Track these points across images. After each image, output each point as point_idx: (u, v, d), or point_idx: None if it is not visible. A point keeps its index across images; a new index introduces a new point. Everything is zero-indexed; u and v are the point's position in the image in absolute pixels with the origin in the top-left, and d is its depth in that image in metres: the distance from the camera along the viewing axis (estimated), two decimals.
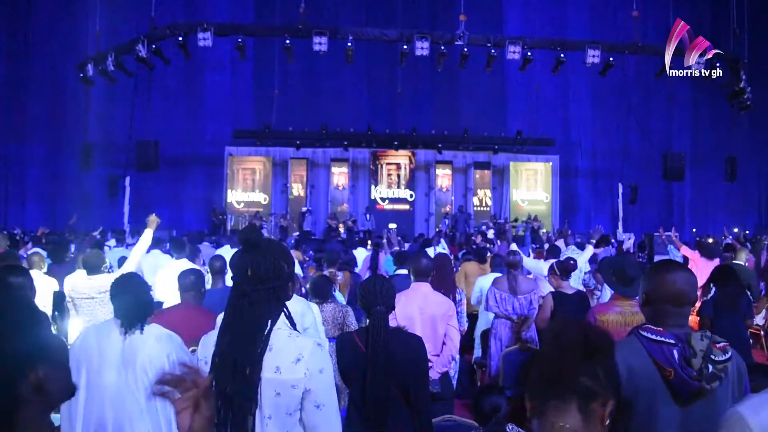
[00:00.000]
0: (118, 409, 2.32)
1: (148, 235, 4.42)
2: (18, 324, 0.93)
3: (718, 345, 1.71)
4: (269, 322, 1.59)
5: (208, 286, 4.62)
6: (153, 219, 4.51)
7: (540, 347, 1.12)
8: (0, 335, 0.91)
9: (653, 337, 1.74)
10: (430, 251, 8.39)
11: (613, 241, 10.76)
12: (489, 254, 7.13)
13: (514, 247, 6.22)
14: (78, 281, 4.25)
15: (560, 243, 7.68)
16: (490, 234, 12.40)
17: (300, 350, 1.60)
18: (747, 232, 15.24)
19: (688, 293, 1.80)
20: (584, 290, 5.32)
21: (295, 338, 1.65)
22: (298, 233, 14.72)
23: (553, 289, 4.60)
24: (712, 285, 4.48)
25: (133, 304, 2.37)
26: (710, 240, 10.66)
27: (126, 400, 2.34)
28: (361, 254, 7.38)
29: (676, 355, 1.70)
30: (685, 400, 1.71)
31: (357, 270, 7.00)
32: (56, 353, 0.99)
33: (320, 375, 1.60)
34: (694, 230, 17.09)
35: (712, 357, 1.68)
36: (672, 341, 1.72)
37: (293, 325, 1.68)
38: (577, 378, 1.18)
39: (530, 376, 1.30)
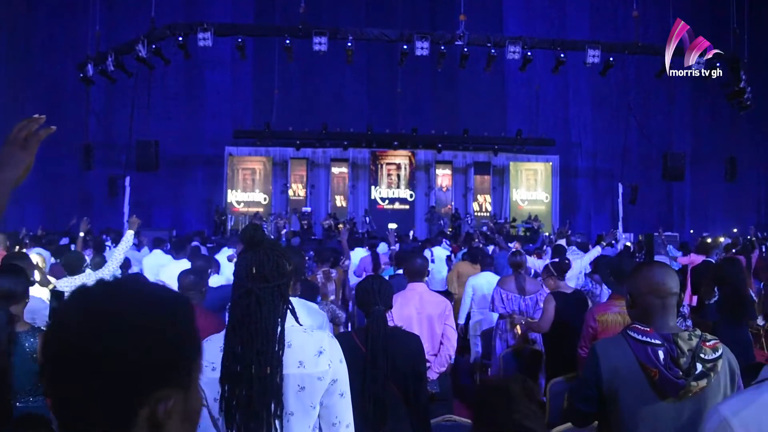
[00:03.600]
0: None
1: (129, 237, 4.50)
2: (163, 338, 0.73)
3: (708, 343, 1.72)
4: (279, 320, 1.59)
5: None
6: (134, 220, 4.74)
7: (484, 401, 1.58)
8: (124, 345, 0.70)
9: (639, 337, 1.76)
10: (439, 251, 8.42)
11: (613, 241, 10.75)
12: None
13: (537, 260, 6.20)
14: (61, 282, 4.27)
15: (562, 243, 7.66)
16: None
17: (320, 343, 1.64)
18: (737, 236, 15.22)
19: (668, 283, 1.83)
20: (581, 290, 5.32)
21: (311, 333, 1.68)
22: (297, 236, 14.72)
23: (549, 290, 4.60)
24: (716, 288, 4.46)
25: None
26: (709, 240, 10.66)
27: None
28: (359, 255, 7.37)
29: (661, 356, 1.71)
30: (673, 398, 1.72)
31: (351, 270, 7.01)
32: (194, 388, 0.78)
33: (341, 364, 1.66)
34: (692, 231, 17.10)
35: (702, 356, 1.69)
36: (658, 342, 1.73)
37: (297, 321, 1.69)
38: (522, 422, 1.43)
39: (481, 423, 1.53)
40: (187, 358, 0.78)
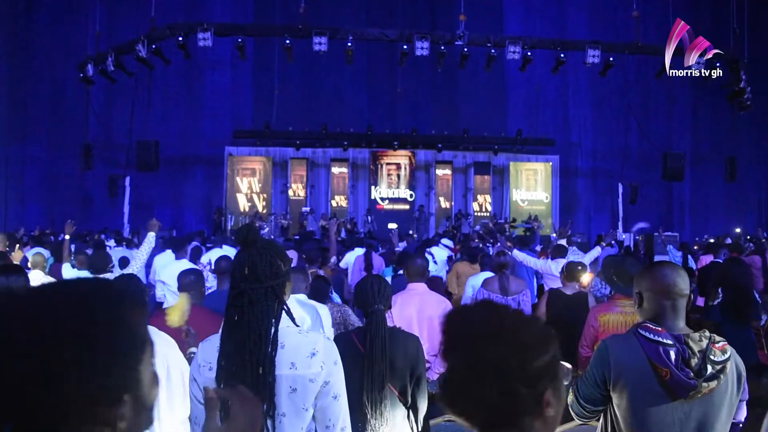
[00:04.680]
0: None
1: (151, 239, 4.49)
2: (110, 347, 0.71)
3: (717, 345, 1.72)
4: (273, 321, 1.59)
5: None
6: (154, 223, 4.70)
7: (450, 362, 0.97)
8: (79, 357, 0.69)
9: (651, 336, 1.75)
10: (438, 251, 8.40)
11: (613, 241, 10.75)
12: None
13: (520, 256, 6.20)
14: None
15: (562, 243, 7.66)
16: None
17: (313, 345, 1.63)
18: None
19: (680, 285, 1.83)
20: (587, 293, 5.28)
21: (306, 334, 1.67)
22: (297, 235, 14.71)
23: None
24: (719, 289, 4.44)
25: None
26: (711, 240, 10.66)
27: None
28: (357, 254, 7.36)
29: (673, 356, 1.71)
30: (683, 400, 1.72)
31: (349, 269, 6.97)
32: (144, 389, 0.77)
33: (335, 366, 1.64)
34: (696, 248, 17.05)
35: (711, 357, 1.69)
36: (670, 342, 1.73)
37: (294, 322, 1.69)
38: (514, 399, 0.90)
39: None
40: (133, 363, 0.75)
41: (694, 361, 1.69)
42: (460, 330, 0.96)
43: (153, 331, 2.35)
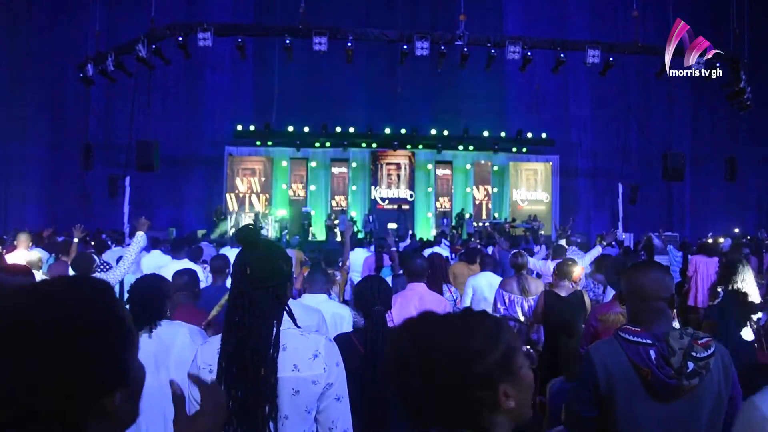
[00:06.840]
0: (153, 412, 2.27)
1: (139, 237, 4.48)
2: (108, 341, 0.76)
3: (700, 341, 1.70)
4: (275, 322, 1.58)
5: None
6: (143, 221, 4.65)
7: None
8: (82, 352, 0.73)
9: (630, 337, 1.76)
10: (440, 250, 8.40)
11: (613, 241, 10.73)
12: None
13: (536, 262, 6.20)
14: None
15: (562, 243, 7.64)
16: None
17: (315, 346, 1.62)
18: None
19: (656, 289, 1.81)
20: (582, 290, 5.28)
21: (308, 335, 1.66)
22: (297, 235, 14.72)
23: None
24: (719, 288, 4.44)
25: (140, 301, 2.39)
26: (710, 240, 10.65)
27: (160, 402, 2.31)
28: (359, 255, 7.36)
29: (653, 355, 1.70)
30: (665, 398, 1.71)
31: (355, 271, 6.98)
32: (135, 380, 0.83)
33: (337, 368, 1.63)
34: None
35: (693, 354, 1.67)
36: (649, 341, 1.72)
37: (295, 323, 1.68)
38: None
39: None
40: (123, 357, 0.79)
41: (674, 359, 1.68)
42: (407, 349, 0.97)
43: (187, 327, 2.43)
